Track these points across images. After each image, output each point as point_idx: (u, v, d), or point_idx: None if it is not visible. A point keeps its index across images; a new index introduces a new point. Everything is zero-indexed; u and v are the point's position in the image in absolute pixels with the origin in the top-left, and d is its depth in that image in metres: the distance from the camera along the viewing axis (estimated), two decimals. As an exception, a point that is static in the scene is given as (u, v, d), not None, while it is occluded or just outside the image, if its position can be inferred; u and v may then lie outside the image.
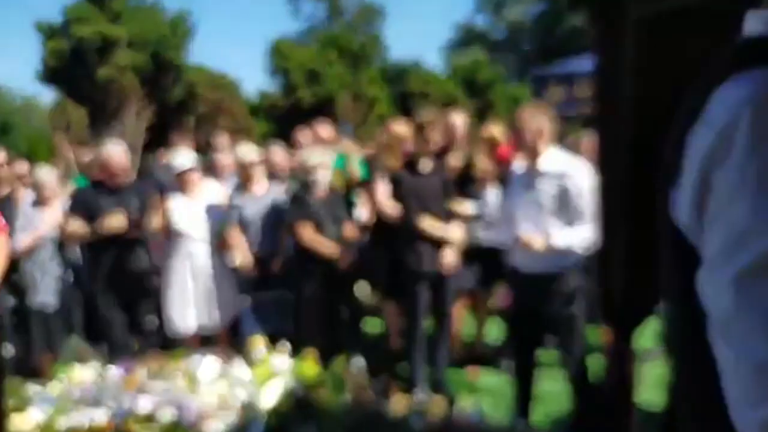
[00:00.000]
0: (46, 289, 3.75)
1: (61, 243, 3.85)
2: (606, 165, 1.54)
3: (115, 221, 3.68)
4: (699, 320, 0.69)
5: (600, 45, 1.48)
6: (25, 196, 4.24)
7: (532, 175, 2.97)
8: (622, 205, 1.47)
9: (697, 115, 0.71)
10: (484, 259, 4.08)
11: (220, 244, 4.17)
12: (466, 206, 3.91)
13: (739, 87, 0.66)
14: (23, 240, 3.72)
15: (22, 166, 4.91)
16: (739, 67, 0.68)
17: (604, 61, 1.48)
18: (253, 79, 35.52)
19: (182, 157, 4.31)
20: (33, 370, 3.52)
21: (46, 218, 3.81)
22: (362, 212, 4.58)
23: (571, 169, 2.92)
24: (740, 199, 0.63)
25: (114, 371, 2.48)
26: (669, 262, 0.83)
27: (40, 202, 3.88)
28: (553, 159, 2.95)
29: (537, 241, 2.82)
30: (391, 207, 3.81)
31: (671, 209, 0.78)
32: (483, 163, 4.06)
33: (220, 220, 4.17)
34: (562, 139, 5.67)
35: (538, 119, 2.91)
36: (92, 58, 17.39)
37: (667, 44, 1.34)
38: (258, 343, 2.63)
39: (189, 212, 4.12)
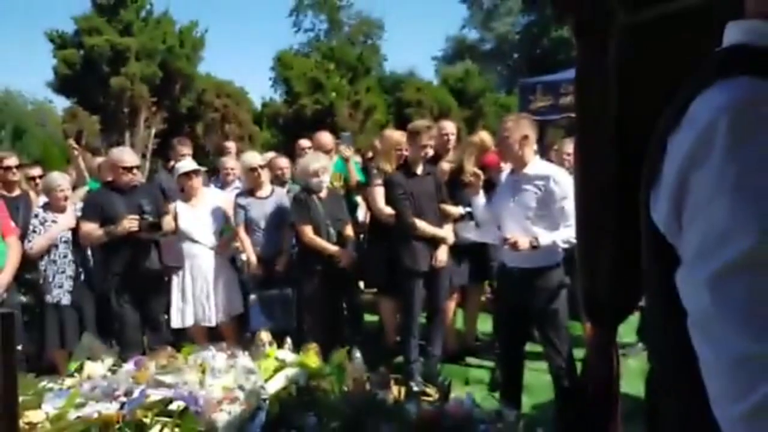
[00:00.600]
0: (60, 287, 3.74)
1: (75, 242, 3.83)
2: (591, 165, 1.54)
3: (129, 224, 3.68)
4: (679, 318, 0.69)
5: (584, 51, 1.47)
6: (38, 199, 4.23)
7: (518, 179, 3.01)
8: (606, 206, 1.47)
9: (680, 119, 0.71)
10: (474, 257, 4.10)
11: (222, 245, 4.19)
12: (456, 208, 3.94)
13: (721, 92, 0.66)
14: (37, 242, 3.70)
15: (34, 170, 4.88)
16: (721, 74, 0.68)
17: (587, 66, 1.48)
18: (259, 89, 35.48)
19: (186, 162, 4.36)
20: (47, 367, 3.51)
21: (59, 221, 3.79)
22: (362, 213, 4.61)
23: (554, 173, 2.98)
24: (718, 201, 0.62)
25: (125, 366, 2.47)
26: (649, 261, 0.82)
27: (52, 205, 3.85)
28: (538, 165, 3.03)
29: (523, 242, 2.85)
30: (387, 211, 3.83)
31: (651, 209, 0.78)
32: (472, 168, 4.08)
33: (222, 222, 4.18)
34: (550, 146, 5.70)
35: (522, 128, 2.95)
36: (103, 68, 17.31)
37: (653, 50, 1.34)
38: (263, 338, 2.62)
39: (191, 215, 4.15)
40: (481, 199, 3.24)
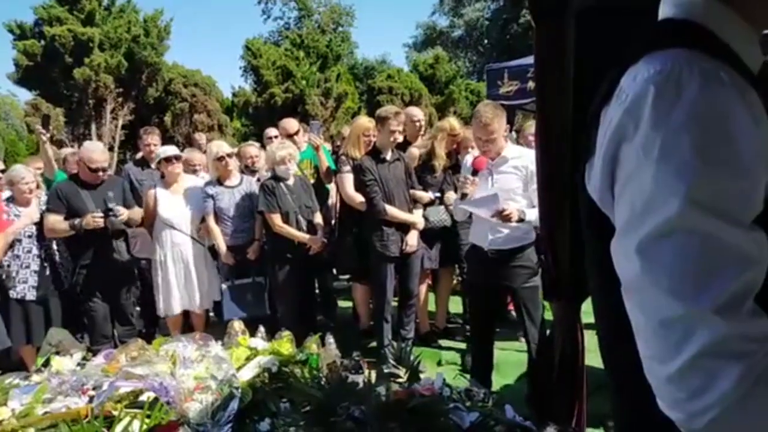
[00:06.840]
0: (24, 282, 3.62)
1: (40, 236, 3.72)
2: (551, 148, 1.56)
3: (93, 222, 3.61)
4: (614, 285, 0.71)
5: (542, 35, 1.48)
6: (1, 194, 4.08)
7: (495, 164, 3.05)
8: (566, 185, 1.49)
9: (611, 93, 0.72)
10: (444, 241, 4.13)
11: (200, 233, 4.16)
12: (426, 193, 3.96)
13: (647, 66, 0.68)
14: (-1, 237, 3.57)
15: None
16: (649, 48, 0.70)
17: (545, 50, 1.49)
18: (229, 78, 34.82)
19: (167, 147, 4.32)
20: (15, 364, 3.41)
21: (22, 215, 3.67)
22: (334, 200, 4.59)
23: (529, 154, 3.04)
24: (645, 171, 0.64)
25: (95, 360, 2.42)
26: (587, 232, 0.84)
27: (16, 198, 3.72)
28: (512, 148, 3.10)
29: (514, 214, 2.88)
30: (357, 197, 3.82)
31: (586, 181, 0.79)
32: (442, 153, 4.10)
33: (199, 210, 4.12)
34: (519, 130, 5.73)
35: (501, 115, 3.00)
36: (66, 59, 16.70)
37: (609, 33, 1.35)
38: (236, 327, 2.60)
39: (172, 201, 4.09)
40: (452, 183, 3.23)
